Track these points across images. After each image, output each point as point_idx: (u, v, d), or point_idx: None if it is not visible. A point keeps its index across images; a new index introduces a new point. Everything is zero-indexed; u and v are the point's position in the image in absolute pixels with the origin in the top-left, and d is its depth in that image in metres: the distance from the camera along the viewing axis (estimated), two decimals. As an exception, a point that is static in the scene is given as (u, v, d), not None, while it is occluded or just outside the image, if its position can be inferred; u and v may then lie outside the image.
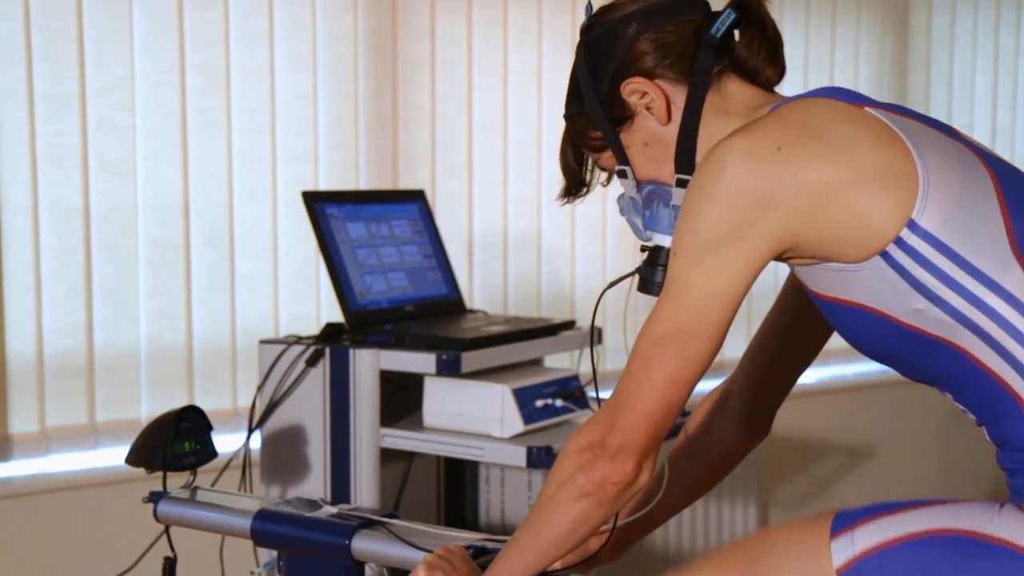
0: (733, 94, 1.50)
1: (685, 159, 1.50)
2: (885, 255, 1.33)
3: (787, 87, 1.54)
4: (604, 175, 1.60)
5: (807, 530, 1.38)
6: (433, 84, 3.30)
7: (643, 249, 1.59)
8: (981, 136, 4.65)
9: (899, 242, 1.32)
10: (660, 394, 1.36)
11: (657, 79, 1.50)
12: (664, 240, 1.55)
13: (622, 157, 1.54)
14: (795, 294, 1.66)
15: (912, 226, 1.31)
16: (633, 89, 1.50)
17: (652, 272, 1.56)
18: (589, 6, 1.58)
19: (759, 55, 1.50)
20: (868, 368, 4.11)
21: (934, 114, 4.38)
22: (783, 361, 1.73)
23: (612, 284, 1.63)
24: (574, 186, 1.62)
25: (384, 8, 3.20)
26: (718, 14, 1.49)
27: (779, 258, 1.39)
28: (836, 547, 1.34)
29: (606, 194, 1.65)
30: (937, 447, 4.48)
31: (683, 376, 1.36)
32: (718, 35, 1.48)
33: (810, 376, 4.15)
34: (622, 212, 1.60)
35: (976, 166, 1.37)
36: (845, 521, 1.36)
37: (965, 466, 4.48)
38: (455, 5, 3.32)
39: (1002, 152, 4.69)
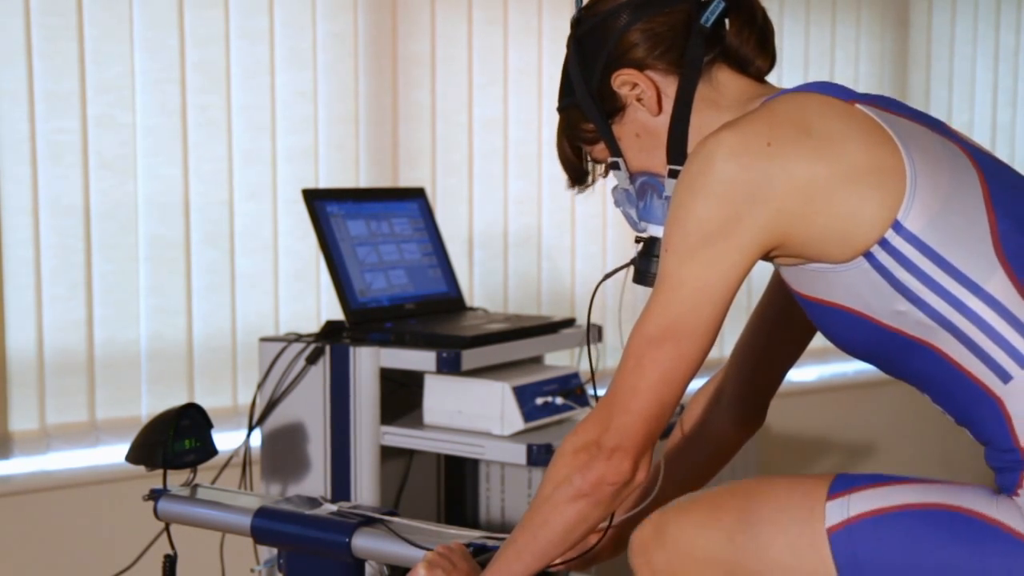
0: (724, 85, 1.50)
1: (676, 149, 1.49)
2: (869, 256, 1.32)
3: (787, 85, 1.54)
4: (603, 166, 1.60)
5: (805, 488, 1.37)
6: (433, 82, 3.30)
7: (638, 240, 1.59)
8: (981, 134, 4.65)
9: (883, 243, 1.32)
10: (654, 392, 1.36)
11: (647, 70, 1.49)
12: (658, 231, 1.54)
13: (614, 149, 1.54)
14: (783, 285, 1.65)
15: (897, 227, 1.31)
16: (623, 81, 1.50)
17: (647, 263, 1.56)
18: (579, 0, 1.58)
19: (749, 44, 1.50)
20: (867, 366, 4.09)
21: (934, 112, 4.39)
22: (774, 352, 1.73)
23: (608, 275, 1.63)
24: (575, 177, 1.62)
25: (384, 6, 3.20)
26: (708, 4, 1.49)
27: (766, 257, 1.39)
28: (831, 508, 1.34)
29: (605, 192, 1.65)
30: (936, 445, 4.48)
31: (677, 374, 1.36)
32: (708, 24, 1.47)
33: (809, 374, 4.20)
34: (617, 204, 1.60)
35: (965, 166, 1.37)
36: (844, 484, 1.36)
37: (964, 464, 4.48)
38: (455, 3, 3.32)
39: (1002, 150, 4.69)
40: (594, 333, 2.65)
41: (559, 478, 1.40)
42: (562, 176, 1.63)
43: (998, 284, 1.31)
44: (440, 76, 3.31)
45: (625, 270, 1.60)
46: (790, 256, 1.38)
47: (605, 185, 1.66)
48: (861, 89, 1.46)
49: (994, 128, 4.70)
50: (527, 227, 3.49)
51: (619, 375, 1.38)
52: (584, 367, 2.66)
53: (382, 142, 3.22)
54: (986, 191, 1.35)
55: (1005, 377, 1.31)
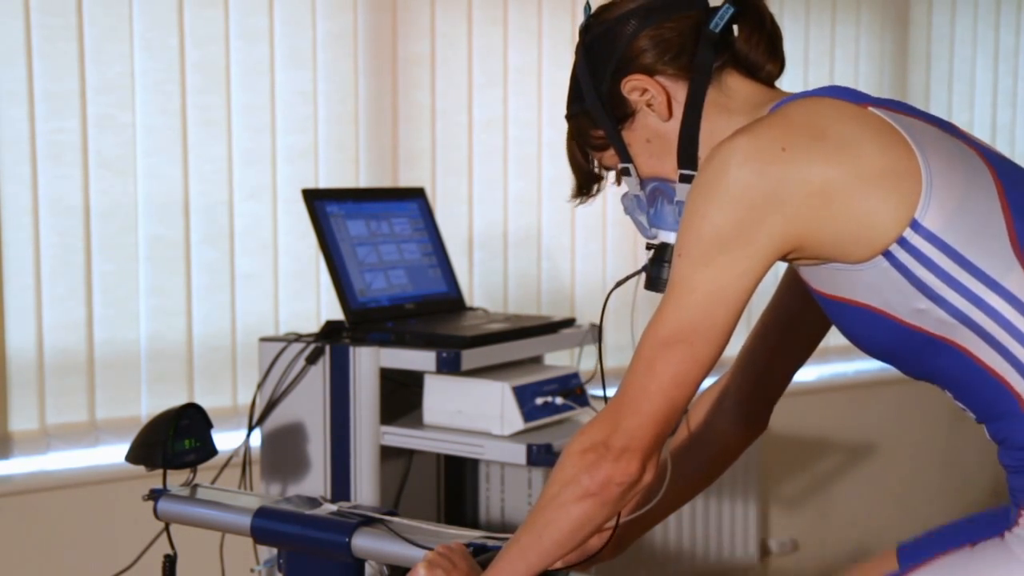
0: (734, 89, 1.50)
1: (687, 154, 1.50)
2: (888, 255, 1.33)
3: (787, 85, 1.54)
4: (614, 174, 1.60)
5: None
6: (433, 82, 3.30)
7: (648, 247, 1.59)
8: (981, 134, 4.65)
9: (902, 242, 1.32)
10: (665, 395, 1.36)
11: (657, 75, 1.50)
12: (669, 237, 1.55)
13: (624, 155, 1.55)
14: (792, 289, 1.66)
15: (915, 226, 1.32)
16: (634, 86, 1.50)
17: (659, 269, 1.56)
18: (588, 6, 1.58)
19: (758, 49, 1.51)
20: (868, 366, 4.11)
21: (934, 112, 4.38)
22: (781, 355, 1.73)
23: (619, 283, 1.63)
24: (586, 183, 1.62)
25: (384, 6, 3.20)
26: (717, 9, 1.49)
27: (783, 258, 1.40)
28: None
29: (606, 191, 1.65)
30: (937, 445, 4.48)
31: (688, 377, 1.36)
32: (717, 30, 1.48)
33: (810, 374, 4.20)
34: (627, 211, 1.60)
35: (978, 165, 1.38)
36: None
37: (965, 463, 4.49)
38: (455, 3, 3.32)
39: (1002, 150, 4.68)
40: (596, 333, 2.65)
41: (566, 478, 1.40)
42: (562, 176, 1.64)
43: (1016, 280, 1.32)
44: (440, 76, 3.31)
45: (636, 277, 1.60)
46: (808, 258, 1.39)
47: (611, 185, 1.66)
48: (861, 89, 1.47)
49: (994, 128, 4.70)
50: (527, 227, 3.49)
51: (629, 376, 1.38)
52: (584, 367, 2.66)
53: (382, 142, 3.22)
54: (1000, 189, 1.36)
55: None
